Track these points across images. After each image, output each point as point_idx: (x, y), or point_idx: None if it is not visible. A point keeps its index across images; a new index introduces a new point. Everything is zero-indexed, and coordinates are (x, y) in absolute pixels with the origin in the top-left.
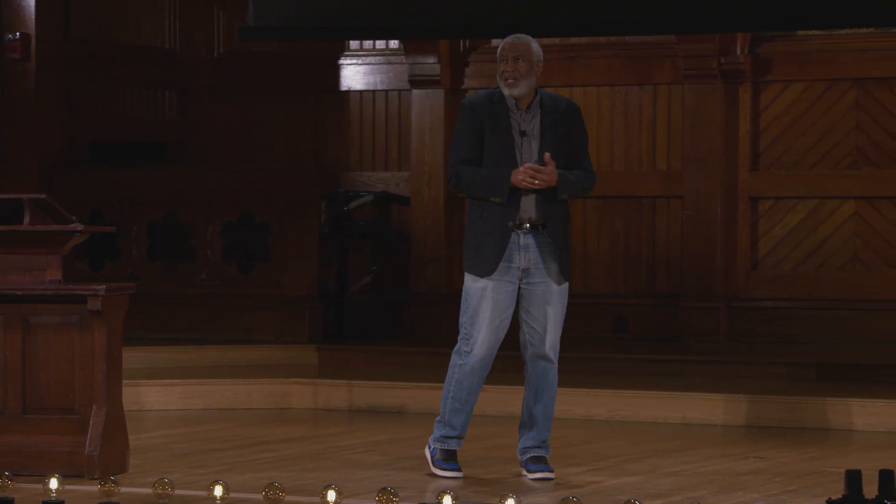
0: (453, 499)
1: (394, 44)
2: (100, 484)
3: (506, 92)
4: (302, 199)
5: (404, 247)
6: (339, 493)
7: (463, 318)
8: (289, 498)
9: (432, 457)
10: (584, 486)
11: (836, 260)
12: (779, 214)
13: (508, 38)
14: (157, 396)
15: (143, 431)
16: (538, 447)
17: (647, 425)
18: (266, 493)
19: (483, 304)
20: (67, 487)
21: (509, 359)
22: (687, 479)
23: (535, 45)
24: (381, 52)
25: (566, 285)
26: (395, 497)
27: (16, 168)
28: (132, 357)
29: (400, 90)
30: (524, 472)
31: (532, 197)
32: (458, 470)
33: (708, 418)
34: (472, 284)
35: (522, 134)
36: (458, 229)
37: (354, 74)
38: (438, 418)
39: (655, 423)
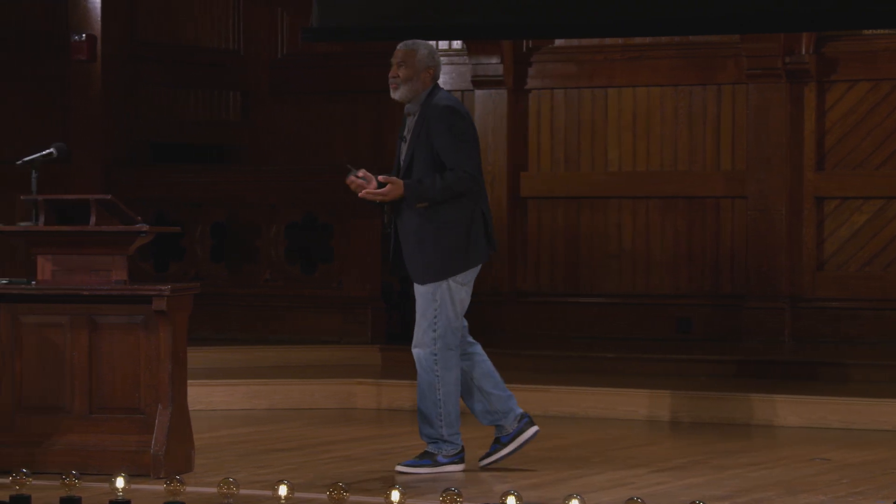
0: (517, 499)
1: (457, 44)
2: (165, 483)
3: (392, 96)
4: (365, 200)
5: None
6: (403, 494)
7: None
8: (353, 498)
9: None
10: (648, 487)
11: None
12: (844, 215)
13: (399, 44)
14: (221, 396)
15: (207, 431)
16: (429, 442)
17: (710, 426)
18: (330, 493)
19: None
20: (133, 487)
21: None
22: (752, 481)
23: (423, 51)
24: (444, 53)
25: (427, 286)
26: (459, 497)
27: (79, 168)
28: (196, 357)
29: (463, 90)
30: None
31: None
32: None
33: (772, 419)
34: None
35: (402, 139)
36: (521, 229)
37: None
38: None
39: (720, 424)
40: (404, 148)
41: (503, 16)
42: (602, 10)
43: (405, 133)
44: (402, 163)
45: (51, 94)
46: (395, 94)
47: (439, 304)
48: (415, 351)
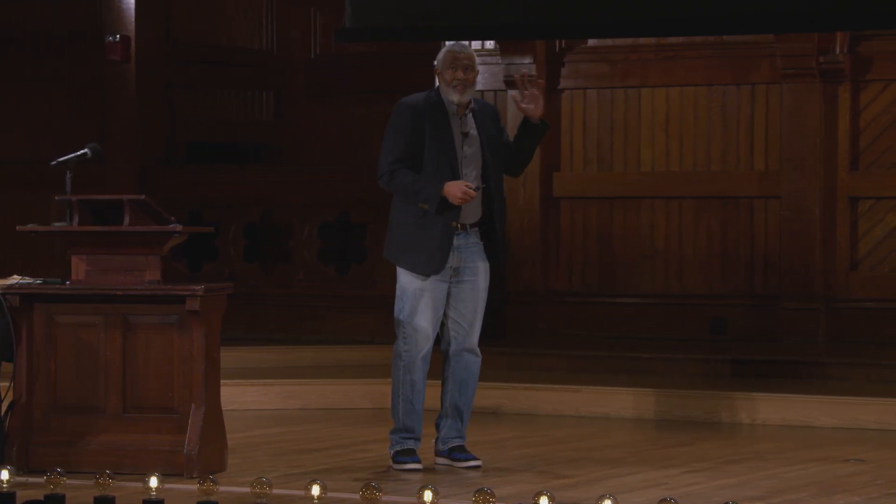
0: (550, 499)
1: (489, 44)
2: (199, 483)
3: (454, 98)
4: None
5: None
6: (435, 494)
7: (400, 317)
8: (385, 498)
9: (392, 456)
10: (682, 487)
11: None
12: (879, 215)
13: (455, 47)
14: (254, 396)
15: (241, 431)
16: (459, 437)
17: (745, 427)
18: (363, 493)
19: (422, 302)
20: (167, 486)
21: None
22: (786, 482)
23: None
24: (476, 53)
25: (488, 281)
26: (492, 497)
27: (114, 169)
28: (230, 357)
29: (496, 90)
30: (450, 462)
31: (476, 198)
32: (419, 462)
33: (808, 420)
34: (411, 284)
35: (465, 135)
36: (554, 229)
37: None
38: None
39: (753, 424)
40: (471, 143)
41: (537, 16)
42: (636, 9)
43: (465, 130)
44: (465, 159)
45: (87, 94)
46: (465, 97)
47: None
48: (477, 348)
